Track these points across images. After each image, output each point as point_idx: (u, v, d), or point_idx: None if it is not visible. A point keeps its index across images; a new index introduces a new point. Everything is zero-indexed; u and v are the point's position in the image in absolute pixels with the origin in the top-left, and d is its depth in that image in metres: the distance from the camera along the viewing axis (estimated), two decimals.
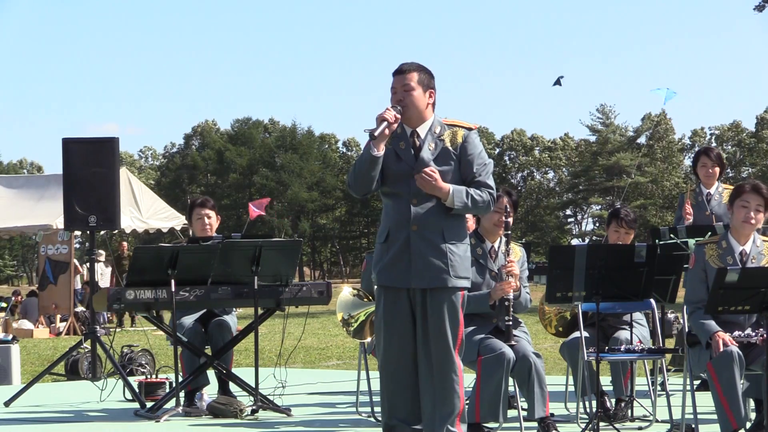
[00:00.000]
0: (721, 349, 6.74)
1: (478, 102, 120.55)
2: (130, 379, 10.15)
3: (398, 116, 6.35)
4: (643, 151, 79.01)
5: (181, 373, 9.02)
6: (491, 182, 6.44)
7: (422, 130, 6.45)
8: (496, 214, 7.61)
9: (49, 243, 22.59)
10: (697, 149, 14.12)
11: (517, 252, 7.79)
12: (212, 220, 9.36)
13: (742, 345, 6.87)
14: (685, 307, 7.18)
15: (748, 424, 6.94)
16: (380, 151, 6.32)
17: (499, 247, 7.72)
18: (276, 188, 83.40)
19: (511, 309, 7.51)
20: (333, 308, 8.68)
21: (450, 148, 6.41)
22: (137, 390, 9.66)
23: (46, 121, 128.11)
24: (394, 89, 6.45)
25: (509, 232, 7.70)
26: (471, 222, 8.62)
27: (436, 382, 6.37)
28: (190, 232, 9.68)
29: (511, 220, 7.69)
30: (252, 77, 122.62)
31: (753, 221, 7.10)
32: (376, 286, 6.58)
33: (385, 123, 6.30)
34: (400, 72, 6.45)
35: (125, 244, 27.86)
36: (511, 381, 7.49)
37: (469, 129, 6.49)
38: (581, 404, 8.21)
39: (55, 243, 22.50)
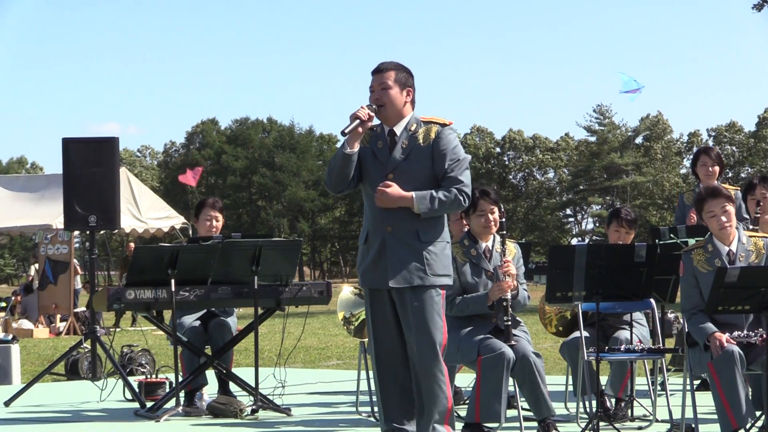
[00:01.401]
0: (719, 349, 6.73)
1: (479, 102, 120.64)
2: (130, 379, 10.15)
3: (372, 114, 6.37)
4: (640, 153, 79.00)
5: (181, 373, 9.03)
6: (464, 178, 6.40)
7: (399, 129, 6.47)
8: (481, 217, 7.62)
9: (48, 243, 22.58)
10: (697, 148, 14.13)
11: (512, 249, 7.78)
12: (219, 223, 9.42)
13: (742, 345, 6.86)
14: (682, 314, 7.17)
15: (748, 425, 6.93)
16: (353, 148, 6.35)
17: (493, 247, 7.72)
18: (275, 188, 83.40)
19: (510, 308, 7.50)
20: (333, 308, 8.70)
21: (422, 145, 6.42)
22: (137, 390, 9.66)
23: (47, 121, 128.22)
24: (372, 88, 6.48)
25: (505, 231, 7.70)
26: (464, 223, 8.62)
27: (422, 381, 6.38)
28: (190, 232, 9.69)
29: (503, 219, 7.69)
30: (251, 77, 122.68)
31: (727, 224, 7.06)
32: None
33: (358, 121, 6.33)
34: (378, 71, 6.49)
35: (132, 245, 27.77)
36: (511, 381, 7.49)
37: (444, 125, 6.49)
38: (581, 404, 8.21)
39: (55, 243, 22.48)
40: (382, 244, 6.39)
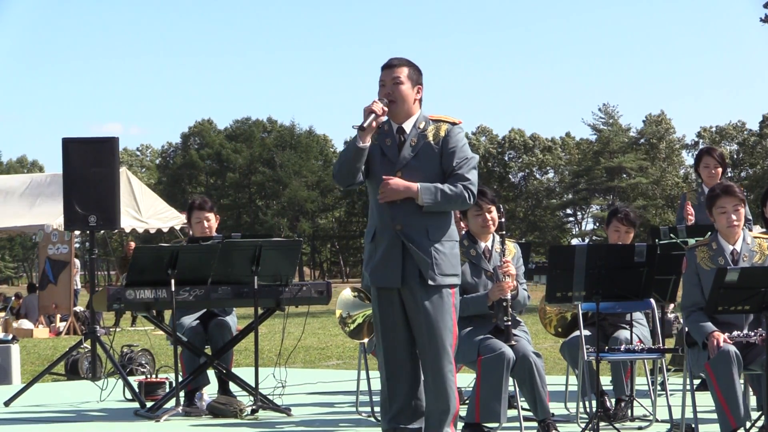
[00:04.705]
0: (716, 349, 6.73)
1: (479, 101, 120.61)
2: (130, 379, 10.16)
3: (385, 109, 6.33)
4: (642, 155, 78.91)
5: (181, 373, 9.03)
6: (471, 176, 6.38)
7: (407, 126, 6.43)
8: (479, 217, 7.61)
9: (48, 243, 22.58)
10: (699, 148, 14.09)
11: (512, 249, 7.77)
12: (211, 222, 9.38)
13: (741, 345, 6.86)
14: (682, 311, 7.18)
15: (748, 423, 6.93)
16: (366, 142, 6.30)
17: (492, 247, 7.71)
18: (274, 187, 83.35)
19: (510, 309, 7.50)
20: (333, 308, 8.70)
21: (432, 142, 6.39)
22: (137, 390, 9.66)
23: (49, 121, 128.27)
24: (382, 82, 6.42)
25: (504, 231, 7.69)
26: (463, 223, 8.62)
27: (433, 381, 6.36)
28: (190, 232, 9.67)
29: (503, 219, 7.69)
30: (250, 77, 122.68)
31: (736, 223, 7.08)
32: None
33: (373, 115, 6.28)
34: (390, 66, 6.43)
35: (132, 244, 27.71)
36: (511, 381, 7.48)
37: (453, 124, 6.46)
38: (581, 404, 8.21)
39: (55, 243, 22.48)
40: (392, 242, 6.34)
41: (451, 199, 6.33)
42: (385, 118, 6.41)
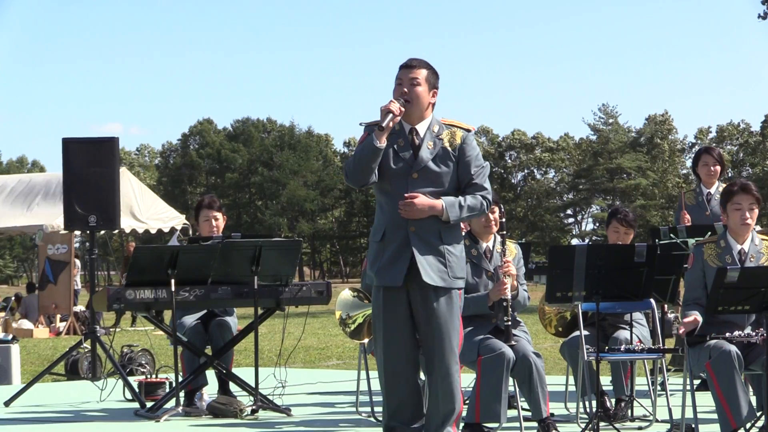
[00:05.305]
0: (689, 322, 6.74)
1: (480, 101, 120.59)
2: (130, 379, 10.15)
3: (402, 109, 6.30)
4: (643, 156, 78.87)
5: (181, 373, 9.03)
6: (488, 185, 6.42)
7: (421, 128, 6.40)
8: (481, 217, 7.61)
9: (48, 243, 22.57)
10: (698, 148, 14.17)
11: (513, 250, 7.78)
12: (219, 221, 9.38)
13: (742, 345, 6.86)
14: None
15: (748, 425, 6.92)
16: (382, 143, 6.26)
17: (494, 247, 7.72)
18: (274, 187, 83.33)
19: (510, 309, 7.50)
20: (333, 308, 8.70)
21: (449, 148, 6.38)
22: (137, 390, 9.66)
23: (49, 121, 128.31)
24: (399, 80, 6.38)
25: (505, 232, 7.70)
26: (464, 223, 8.64)
27: (440, 382, 6.35)
28: (190, 232, 9.67)
29: (504, 219, 7.70)
30: (250, 77, 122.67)
31: (749, 221, 7.11)
32: (374, 285, 6.54)
33: (391, 115, 6.24)
34: (409, 66, 6.40)
35: (133, 244, 27.68)
36: (511, 381, 7.49)
37: (468, 130, 6.46)
38: (581, 404, 8.21)
39: (55, 243, 22.47)
40: (404, 243, 6.32)
41: (473, 211, 6.38)
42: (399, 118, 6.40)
